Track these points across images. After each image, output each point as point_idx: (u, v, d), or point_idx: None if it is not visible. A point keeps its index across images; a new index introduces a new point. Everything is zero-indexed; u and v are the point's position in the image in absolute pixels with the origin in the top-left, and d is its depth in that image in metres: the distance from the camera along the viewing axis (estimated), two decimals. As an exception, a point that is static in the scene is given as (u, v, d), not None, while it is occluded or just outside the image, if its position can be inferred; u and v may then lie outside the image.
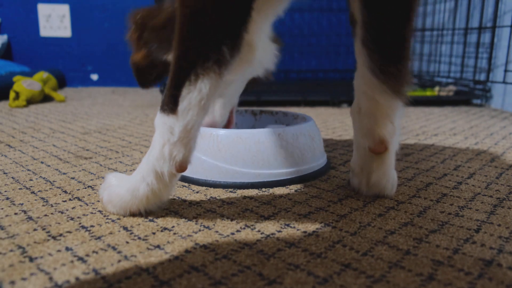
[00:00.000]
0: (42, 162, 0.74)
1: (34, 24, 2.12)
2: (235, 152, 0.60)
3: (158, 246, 0.43)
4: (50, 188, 0.60)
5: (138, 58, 0.65)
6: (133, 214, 0.50)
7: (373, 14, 0.47)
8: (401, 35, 0.48)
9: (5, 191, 0.59)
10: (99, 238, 0.44)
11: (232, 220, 0.49)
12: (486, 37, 1.48)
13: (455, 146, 0.86)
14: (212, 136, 0.61)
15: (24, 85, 1.48)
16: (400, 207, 0.53)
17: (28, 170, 0.69)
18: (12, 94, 1.45)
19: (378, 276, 0.37)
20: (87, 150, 0.83)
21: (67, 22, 2.13)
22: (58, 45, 2.15)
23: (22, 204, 0.54)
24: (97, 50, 2.17)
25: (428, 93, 1.58)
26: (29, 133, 1.00)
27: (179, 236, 0.45)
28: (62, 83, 2.10)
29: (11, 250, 0.42)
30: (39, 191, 0.59)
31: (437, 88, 1.59)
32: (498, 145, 0.87)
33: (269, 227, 0.47)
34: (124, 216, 0.50)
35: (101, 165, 0.72)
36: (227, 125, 0.72)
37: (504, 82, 1.31)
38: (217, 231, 0.46)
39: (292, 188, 0.60)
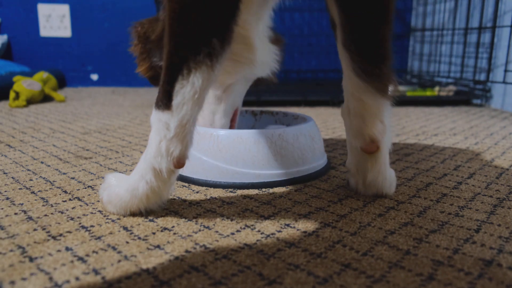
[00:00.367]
0: (42, 162, 0.74)
1: (34, 24, 2.12)
2: (236, 152, 0.60)
3: (158, 246, 0.43)
4: (50, 188, 0.60)
5: (142, 71, 0.66)
6: (133, 214, 0.50)
7: (350, 18, 0.48)
8: (380, 37, 0.48)
9: (5, 191, 0.59)
10: (99, 238, 0.44)
11: (232, 220, 0.49)
12: (486, 37, 1.48)
13: (455, 146, 0.86)
14: (212, 136, 0.61)
15: (24, 85, 1.48)
16: (400, 207, 0.53)
17: (28, 170, 0.69)
18: (12, 94, 1.45)
19: (378, 276, 0.37)
20: (87, 150, 0.83)
21: (67, 22, 2.13)
22: (58, 45, 2.15)
23: (22, 204, 0.54)
24: (97, 50, 2.17)
25: (428, 93, 1.58)
26: (29, 133, 1.00)
27: (179, 236, 0.45)
28: (62, 83, 2.10)
29: (11, 250, 0.42)
30: (39, 191, 0.59)
31: (437, 88, 1.59)
32: (498, 145, 0.87)
33: (269, 227, 0.47)
34: (124, 216, 0.50)
35: (101, 165, 0.72)
36: (231, 124, 0.72)
37: (504, 82, 1.31)
38: (217, 231, 0.46)
39: (292, 188, 0.60)
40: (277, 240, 0.44)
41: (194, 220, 0.49)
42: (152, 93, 1.91)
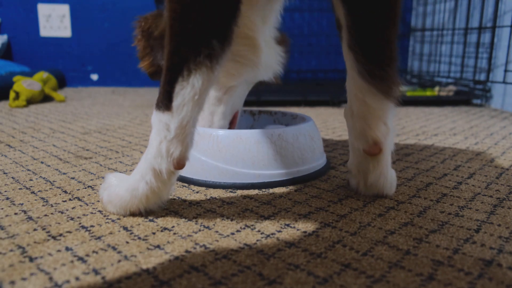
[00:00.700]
0: (42, 162, 0.74)
1: (34, 24, 2.12)
2: (235, 152, 0.60)
3: (158, 246, 0.43)
4: (50, 188, 0.60)
5: (144, 66, 0.66)
6: (133, 214, 0.50)
7: (357, 19, 0.48)
8: (386, 39, 0.48)
9: (5, 191, 0.59)
10: (99, 238, 0.44)
11: (232, 220, 0.49)
12: (486, 37, 1.48)
13: (455, 146, 0.86)
14: (212, 136, 0.61)
15: (24, 85, 1.48)
16: (400, 207, 0.53)
17: (28, 170, 0.69)
18: (12, 94, 1.45)
19: (378, 276, 0.37)
20: (87, 150, 0.83)
21: (67, 22, 2.13)
22: (58, 45, 2.15)
23: (22, 204, 0.54)
24: (97, 50, 2.17)
25: (428, 93, 1.58)
26: (29, 133, 1.00)
27: (179, 236, 0.45)
28: (62, 83, 2.10)
29: (11, 250, 0.42)
30: (39, 191, 0.59)
31: (437, 88, 1.59)
32: (498, 145, 0.87)
33: (269, 227, 0.47)
34: (124, 216, 0.50)
35: (101, 165, 0.72)
36: (230, 126, 0.72)
37: (504, 82, 1.31)
38: (217, 231, 0.46)
39: (292, 188, 0.60)
40: (277, 240, 0.44)
41: (194, 220, 0.49)
42: (152, 93, 1.91)
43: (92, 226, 0.47)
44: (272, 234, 0.45)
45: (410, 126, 1.10)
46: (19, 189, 0.60)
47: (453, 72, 1.70)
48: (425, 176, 0.65)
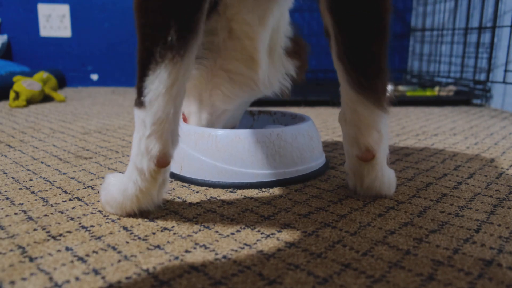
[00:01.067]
0: (42, 162, 0.74)
1: (34, 24, 2.12)
2: (234, 152, 0.60)
3: (158, 246, 0.43)
4: (50, 188, 0.60)
5: None
6: (129, 215, 0.50)
7: (345, 31, 0.47)
8: (375, 51, 0.47)
9: (5, 191, 0.59)
10: (99, 238, 0.44)
11: (232, 220, 0.49)
12: (486, 37, 1.48)
13: (455, 146, 0.86)
14: (211, 136, 0.61)
15: (24, 85, 1.48)
16: (400, 207, 0.53)
17: (28, 170, 0.69)
18: (12, 94, 1.45)
19: (378, 276, 0.37)
20: (87, 150, 0.83)
21: (67, 22, 2.13)
22: (58, 45, 2.15)
23: (22, 204, 0.54)
24: (97, 50, 2.17)
25: (428, 93, 1.58)
26: (29, 133, 1.00)
27: (179, 236, 0.45)
28: (62, 83, 2.10)
29: (11, 250, 0.42)
30: (39, 191, 0.59)
31: (437, 88, 1.59)
32: (498, 145, 0.87)
33: (269, 227, 0.47)
34: (123, 216, 0.50)
35: (101, 165, 0.72)
36: None
37: (504, 82, 1.31)
38: (217, 231, 0.46)
39: (292, 188, 0.60)
40: (277, 240, 0.44)
41: (194, 220, 0.49)
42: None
43: (92, 226, 0.47)
44: (272, 234, 0.45)
45: (410, 126, 1.10)
46: (19, 189, 0.60)
47: (453, 72, 1.70)
48: (425, 176, 0.65)
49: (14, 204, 0.54)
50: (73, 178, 0.65)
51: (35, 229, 0.46)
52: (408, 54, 2.17)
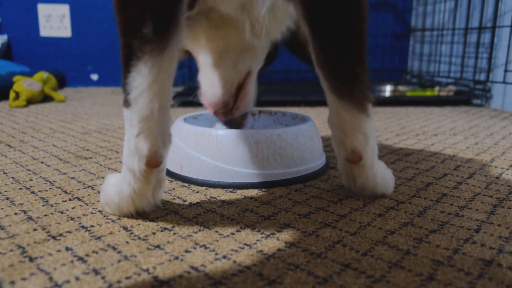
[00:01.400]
0: (42, 162, 0.74)
1: (34, 24, 2.12)
2: (235, 152, 0.60)
3: (158, 246, 0.43)
4: (50, 188, 0.60)
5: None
6: (127, 215, 0.50)
7: (321, 39, 0.47)
8: (353, 59, 0.47)
9: (5, 191, 0.59)
10: (99, 238, 0.44)
11: (232, 220, 0.49)
12: (486, 37, 1.48)
13: (455, 146, 0.86)
14: (211, 136, 0.61)
15: (24, 85, 1.48)
16: (400, 207, 0.53)
17: (28, 170, 0.69)
18: (12, 94, 1.45)
19: (378, 276, 0.37)
20: (87, 150, 0.83)
21: (67, 22, 2.13)
22: (58, 45, 2.15)
23: (22, 204, 0.54)
24: (97, 50, 2.17)
25: (428, 93, 1.58)
26: (29, 133, 1.00)
27: (179, 236, 0.45)
28: (62, 83, 2.10)
29: (11, 250, 0.42)
30: (39, 191, 0.59)
31: (437, 88, 1.59)
32: (498, 145, 0.87)
33: (269, 227, 0.47)
34: (123, 217, 0.50)
35: (101, 165, 0.72)
36: (240, 126, 0.65)
37: (504, 82, 1.31)
38: (217, 231, 0.46)
39: (292, 188, 0.60)
40: (277, 240, 0.44)
41: (194, 220, 0.49)
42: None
43: (92, 226, 0.47)
44: (272, 234, 0.45)
45: (410, 126, 1.10)
46: (19, 189, 0.60)
47: (453, 72, 1.70)
48: (425, 176, 0.65)
49: (14, 204, 0.54)
50: (73, 178, 0.65)
51: (35, 229, 0.46)
52: (408, 54, 2.17)
